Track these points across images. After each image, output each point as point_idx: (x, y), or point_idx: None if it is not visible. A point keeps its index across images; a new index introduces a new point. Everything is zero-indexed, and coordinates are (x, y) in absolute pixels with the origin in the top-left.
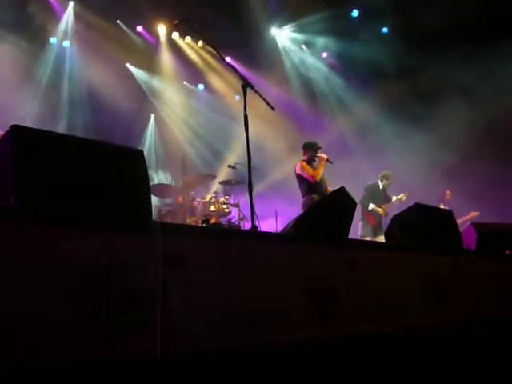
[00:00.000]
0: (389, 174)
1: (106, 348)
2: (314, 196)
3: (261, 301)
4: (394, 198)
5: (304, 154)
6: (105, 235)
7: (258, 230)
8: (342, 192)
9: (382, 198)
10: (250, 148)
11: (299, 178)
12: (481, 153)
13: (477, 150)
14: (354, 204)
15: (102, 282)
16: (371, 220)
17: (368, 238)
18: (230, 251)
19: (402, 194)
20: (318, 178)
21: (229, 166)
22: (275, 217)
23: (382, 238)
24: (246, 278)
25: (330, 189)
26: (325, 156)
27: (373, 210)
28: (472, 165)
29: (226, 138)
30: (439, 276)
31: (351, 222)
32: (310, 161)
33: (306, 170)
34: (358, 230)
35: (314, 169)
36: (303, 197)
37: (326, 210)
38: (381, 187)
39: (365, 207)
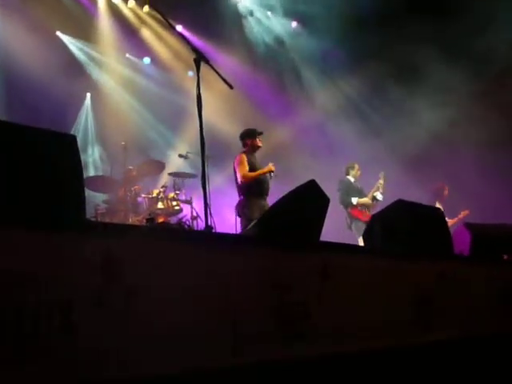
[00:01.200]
0: (352, 164)
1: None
2: (252, 197)
3: (211, 315)
4: (371, 192)
5: (244, 146)
6: (21, 235)
7: (213, 230)
8: (312, 186)
9: (359, 190)
10: (205, 133)
11: (235, 172)
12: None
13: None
14: (327, 200)
15: (15, 294)
16: (362, 216)
17: None
18: (176, 257)
19: (379, 182)
20: (246, 182)
21: (180, 156)
22: (236, 214)
23: None
24: (192, 288)
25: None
26: (272, 168)
27: (358, 202)
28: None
29: (176, 121)
30: (425, 287)
31: (323, 221)
32: (250, 152)
33: (241, 166)
34: (342, 235)
35: (254, 165)
36: (239, 196)
37: (294, 207)
38: (352, 180)
39: (348, 204)
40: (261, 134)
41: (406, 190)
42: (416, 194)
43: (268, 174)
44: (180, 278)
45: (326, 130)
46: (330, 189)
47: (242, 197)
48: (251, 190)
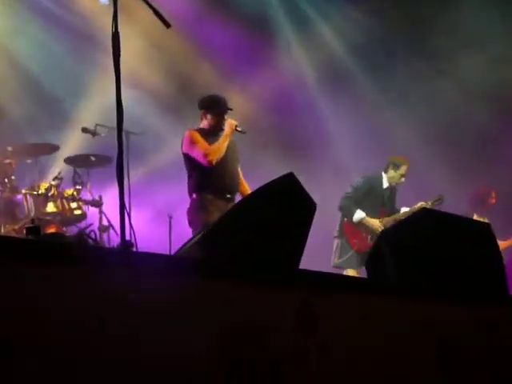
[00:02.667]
0: (399, 160)
1: None
2: (209, 196)
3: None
4: (403, 210)
5: (202, 119)
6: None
7: (133, 249)
8: (289, 184)
9: (384, 203)
10: (124, 99)
11: (186, 158)
12: None
13: None
14: (312, 206)
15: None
16: (356, 239)
17: (348, 272)
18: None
19: (421, 203)
20: (214, 158)
21: (84, 131)
22: (168, 223)
23: None
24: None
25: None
26: (233, 122)
27: (361, 221)
28: None
29: (77, 79)
30: (464, 345)
31: (305, 238)
32: (210, 130)
33: (196, 145)
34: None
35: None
36: (190, 194)
37: (261, 216)
38: (385, 185)
39: (346, 214)
40: (230, 109)
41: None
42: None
43: (233, 153)
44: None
45: (319, 101)
46: (321, 188)
47: (194, 195)
48: (210, 184)
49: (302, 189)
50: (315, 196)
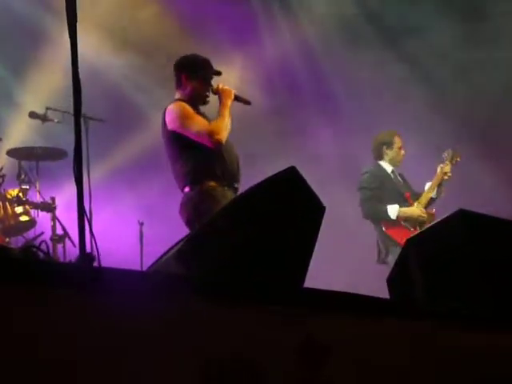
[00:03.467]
0: (387, 136)
1: None
2: (213, 184)
3: None
4: (427, 186)
5: (180, 85)
6: None
7: (96, 264)
8: (291, 181)
9: (403, 187)
10: (83, 76)
11: (175, 138)
12: None
13: None
14: (320, 209)
15: None
16: (400, 236)
17: None
18: None
19: (442, 168)
20: (223, 137)
21: (32, 116)
22: (139, 231)
23: None
24: None
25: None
26: (230, 89)
27: (401, 214)
28: None
29: (23, 52)
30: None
31: (311, 249)
32: (192, 101)
33: (191, 120)
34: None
35: (210, 120)
36: (182, 186)
37: (258, 221)
38: (389, 168)
39: (381, 217)
40: (218, 74)
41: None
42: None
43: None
44: None
45: (324, 71)
46: (333, 187)
47: (189, 187)
48: (213, 169)
49: (307, 187)
50: (323, 198)
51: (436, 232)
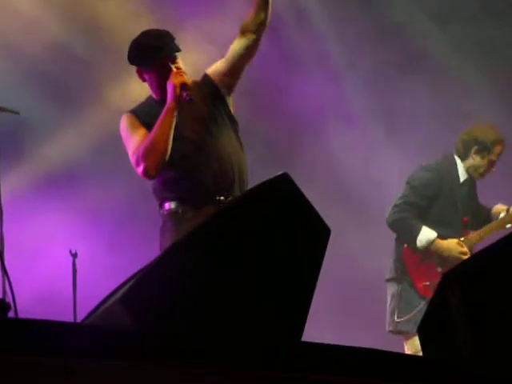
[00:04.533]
0: (494, 136)
1: None
2: (182, 206)
3: None
4: (496, 210)
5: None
6: None
7: (11, 314)
8: (284, 194)
9: (464, 207)
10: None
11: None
12: None
13: None
14: (324, 231)
15: None
16: (427, 280)
17: (415, 340)
18: None
19: None
20: (150, 166)
21: None
22: (72, 266)
23: None
24: None
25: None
26: (176, 80)
27: (430, 245)
28: None
29: None
30: None
31: (313, 287)
32: (159, 98)
33: (129, 141)
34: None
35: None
36: (160, 205)
37: (240, 247)
38: (462, 177)
39: (405, 235)
40: (174, 52)
41: None
42: None
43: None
44: None
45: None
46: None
47: (166, 206)
48: (172, 187)
49: (306, 204)
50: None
51: (483, 263)
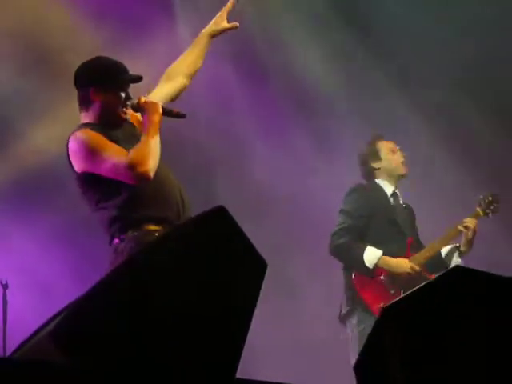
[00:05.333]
0: (377, 142)
1: None
2: (155, 228)
3: None
4: (438, 239)
5: (86, 105)
6: None
7: None
8: (219, 227)
9: (404, 223)
10: None
11: (86, 180)
12: None
13: None
14: (260, 265)
15: None
16: (381, 300)
17: None
18: None
19: (461, 224)
20: (148, 169)
21: None
22: (1, 297)
23: None
24: None
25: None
26: (157, 102)
27: (380, 262)
28: None
29: None
30: None
31: (249, 322)
32: (107, 122)
33: (103, 152)
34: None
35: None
36: (112, 240)
37: (174, 282)
38: (389, 190)
39: (349, 260)
40: (137, 80)
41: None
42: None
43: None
44: None
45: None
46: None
47: (117, 239)
48: (144, 211)
49: (242, 236)
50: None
51: (420, 297)
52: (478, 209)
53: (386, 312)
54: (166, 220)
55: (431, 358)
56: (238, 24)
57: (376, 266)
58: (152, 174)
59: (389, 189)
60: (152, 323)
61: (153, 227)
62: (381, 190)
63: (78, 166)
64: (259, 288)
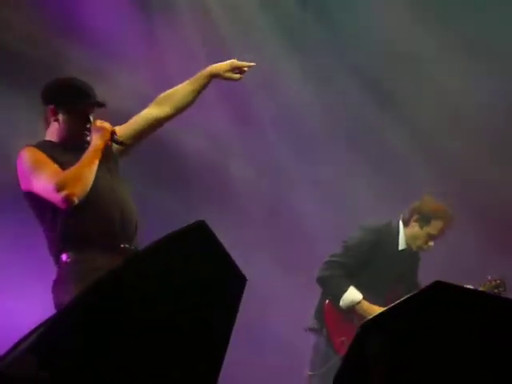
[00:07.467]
0: (437, 210)
1: None
2: (89, 253)
3: None
4: None
5: (49, 122)
6: None
7: None
8: (199, 242)
9: (398, 276)
10: None
11: (29, 199)
12: None
13: None
14: (240, 279)
15: None
16: (343, 336)
17: None
18: None
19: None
20: (74, 192)
21: None
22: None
23: None
24: None
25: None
26: (107, 126)
27: (354, 306)
28: None
29: None
30: None
31: (227, 339)
32: (66, 142)
33: (39, 172)
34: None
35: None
36: (56, 257)
37: (150, 299)
38: (402, 245)
39: (330, 292)
40: (100, 105)
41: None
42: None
43: (114, 172)
44: None
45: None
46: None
47: (64, 256)
48: (86, 231)
49: (221, 250)
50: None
51: (402, 311)
52: (482, 288)
53: (365, 327)
54: (102, 238)
55: (413, 369)
56: (242, 77)
57: (348, 308)
58: (76, 198)
59: (402, 243)
60: (130, 338)
61: (88, 248)
62: (394, 240)
63: (22, 184)
64: (239, 303)
